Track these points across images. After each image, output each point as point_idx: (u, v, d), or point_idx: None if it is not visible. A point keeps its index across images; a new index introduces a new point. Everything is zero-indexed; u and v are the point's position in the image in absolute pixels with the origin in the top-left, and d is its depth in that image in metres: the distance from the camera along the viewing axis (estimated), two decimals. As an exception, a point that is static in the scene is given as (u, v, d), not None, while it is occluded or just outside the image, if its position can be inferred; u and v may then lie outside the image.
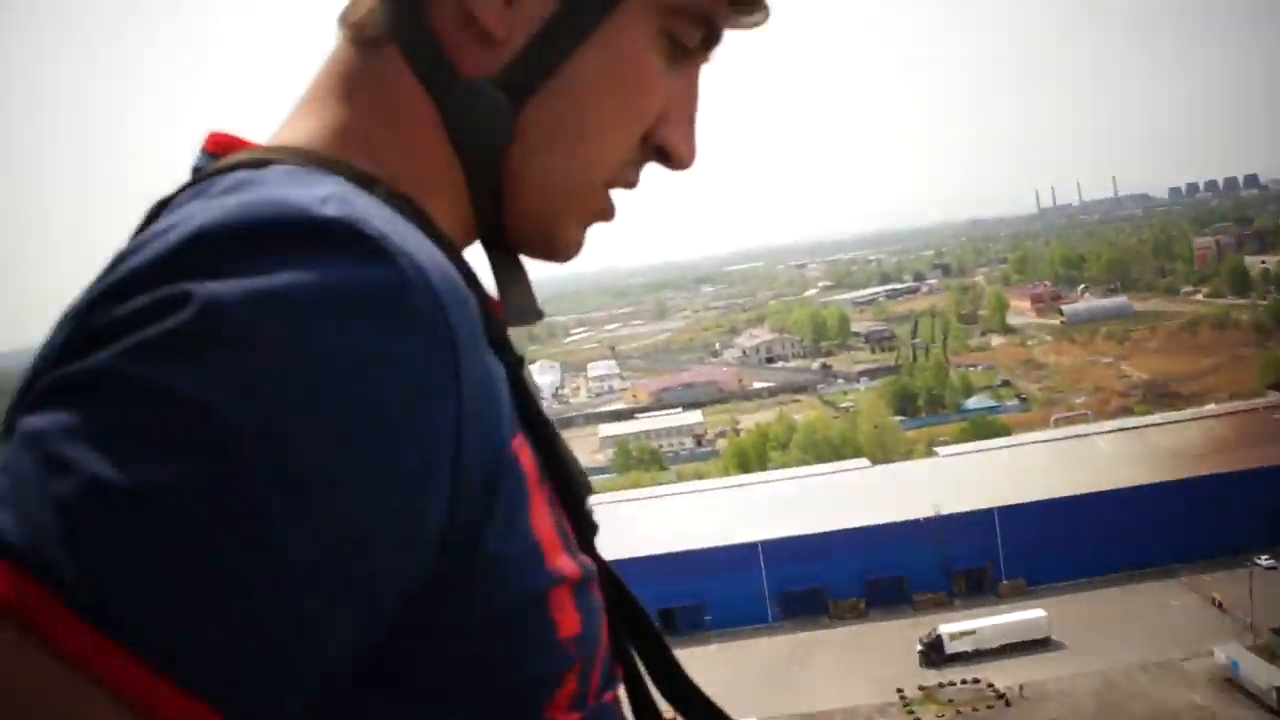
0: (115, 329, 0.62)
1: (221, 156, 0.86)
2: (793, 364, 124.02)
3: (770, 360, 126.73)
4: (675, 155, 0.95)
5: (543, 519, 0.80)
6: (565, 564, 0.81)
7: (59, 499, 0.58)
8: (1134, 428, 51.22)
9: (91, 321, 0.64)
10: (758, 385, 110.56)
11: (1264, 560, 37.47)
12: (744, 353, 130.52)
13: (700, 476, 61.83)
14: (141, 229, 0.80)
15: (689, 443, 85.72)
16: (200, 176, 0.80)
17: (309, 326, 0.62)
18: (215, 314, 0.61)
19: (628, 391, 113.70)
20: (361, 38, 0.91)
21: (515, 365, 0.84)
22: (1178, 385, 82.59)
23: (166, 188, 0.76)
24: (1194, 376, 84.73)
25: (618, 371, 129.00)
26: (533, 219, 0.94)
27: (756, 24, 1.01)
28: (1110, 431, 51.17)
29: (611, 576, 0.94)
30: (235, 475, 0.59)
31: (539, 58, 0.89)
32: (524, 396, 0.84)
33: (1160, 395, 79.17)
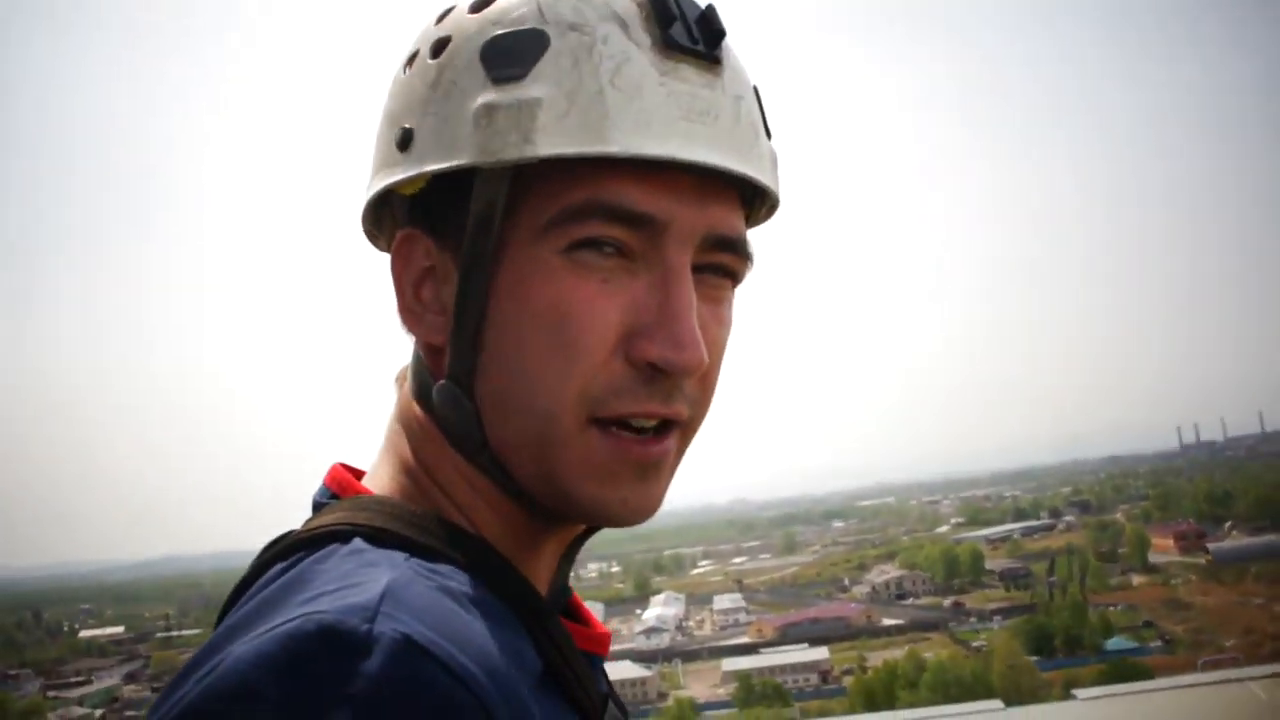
0: None
1: (336, 494, 0.96)
2: (923, 601, 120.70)
3: (900, 597, 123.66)
4: (664, 365, 0.88)
5: None
6: None
7: None
8: (1289, 672, 48.37)
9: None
10: (887, 622, 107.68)
11: None
12: (873, 589, 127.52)
13: (826, 714, 59.90)
14: (253, 572, 0.87)
15: (814, 679, 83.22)
16: (302, 538, 0.86)
17: None
18: None
19: (753, 625, 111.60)
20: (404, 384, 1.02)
21: (596, 709, 0.86)
22: (1336, 629, 78.29)
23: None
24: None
25: (743, 605, 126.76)
26: (539, 487, 0.92)
27: (765, 218, 1.05)
28: (1265, 677, 48.28)
29: None
30: None
31: (462, 340, 0.91)
32: (582, 690, 0.87)
33: (1317, 639, 75.02)
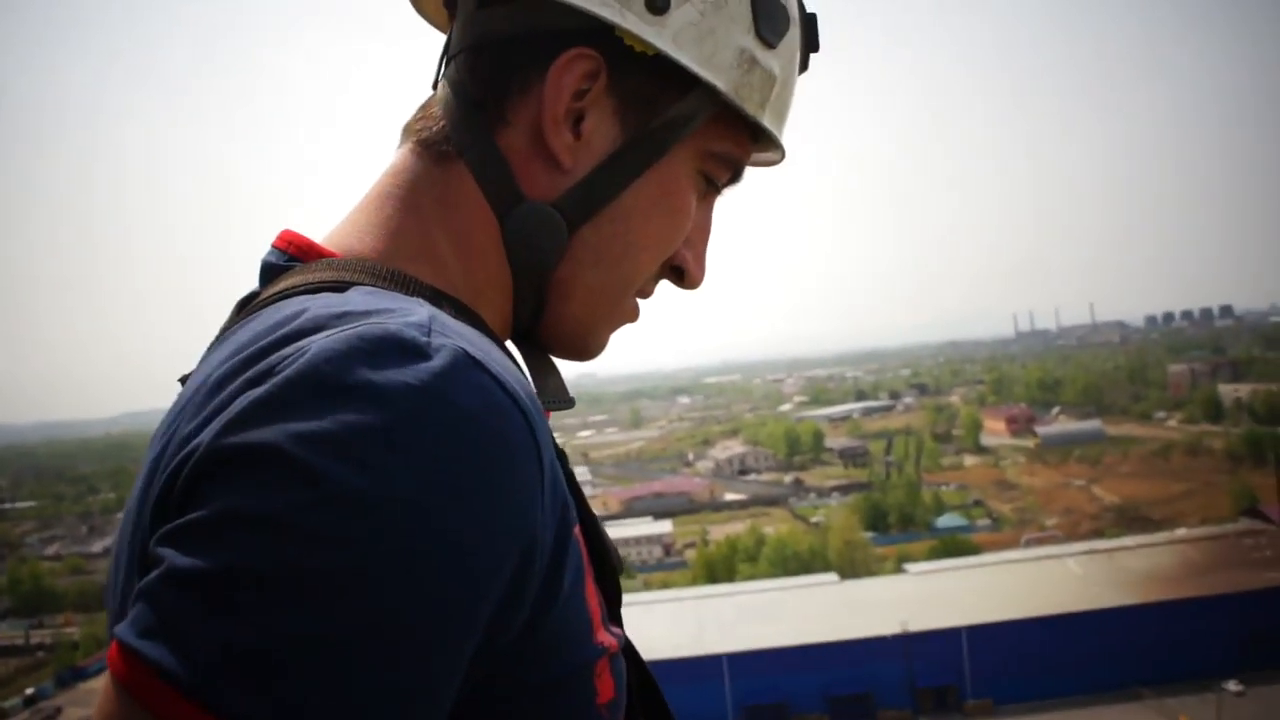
0: (279, 450, 0.68)
1: (292, 255, 0.97)
2: (765, 477, 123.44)
3: (743, 473, 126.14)
4: (689, 275, 1.10)
5: (593, 596, 0.88)
6: (605, 636, 0.89)
7: (232, 641, 0.63)
8: (1104, 550, 50.80)
9: (245, 438, 0.69)
10: (729, 497, 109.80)
11: (1232, 685, 37.05)
12: (717, 464, 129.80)
13: (668, 586, 61.04)
14: (229, 326, 0.92)
15: (658, 552, 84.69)
16: (287, 290, 0.88)
17: (427, 459, 0.70)
18: (370, 438, 0.68)
19: (598, 498, 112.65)
20: (431, 152, 1.01)
21: (563, 458, 0.90)
22: (1149, 509, 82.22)
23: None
24: (1166, 501, 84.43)
25: (589, 478, 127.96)
26: (572, 325, 1.04)
27: (774, 163, 1.18)
28: (1081, 553, 50.75)
29: (629, 645, 0.99)
30: (399, 619, 0.67)
31: (600, 188, 0.99)
32: (573, 485, 0.91)
33: (1131, 519, 78.75)
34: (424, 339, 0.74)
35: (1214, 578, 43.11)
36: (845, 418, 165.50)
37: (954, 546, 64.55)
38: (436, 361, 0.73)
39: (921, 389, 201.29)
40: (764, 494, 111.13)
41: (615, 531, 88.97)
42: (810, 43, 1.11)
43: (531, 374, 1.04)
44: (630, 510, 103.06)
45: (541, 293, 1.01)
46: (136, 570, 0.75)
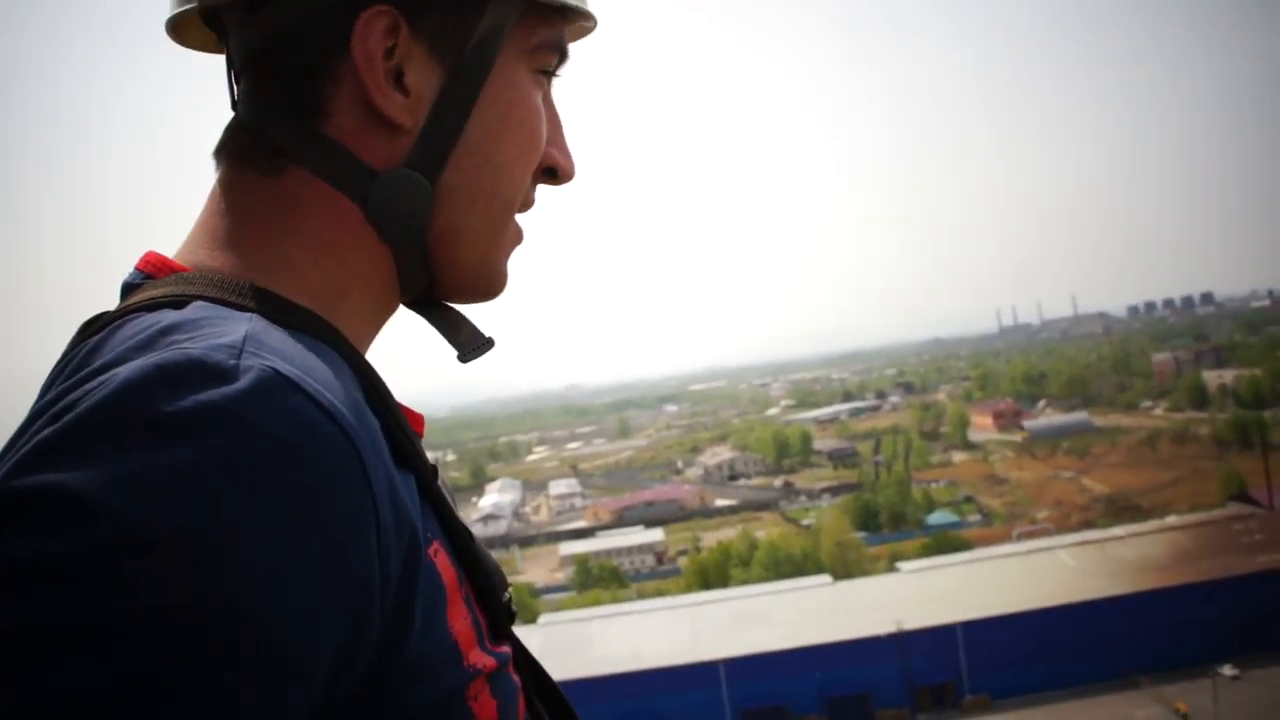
0: (48, 500, 0.64)
1: (152, 276, 0.92)
2: (755, 481, 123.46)
3: (733, 478, 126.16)
4: (562, 171, 1.07)
5: (459, 619, 0.85)
6: (480, 657, 0.86)
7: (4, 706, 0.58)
8: (1096, 541, 50.89)
9: (23, 478, 0.65)
10: (720, 503, 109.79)
11: (1227, 670, 37.18)
12: (706, 470, 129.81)
13: (662, 594, 60.99)
14: (71, 349, 0.87)
15: (650, 560, 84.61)
16: (129, 307, 0.85)
17: (225, 492, 0.65)
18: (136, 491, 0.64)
19: (589, 509, 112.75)
20: (260, 165, 0.96)
21: (429, 475, 0.88)
22: (1139, 498, 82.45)
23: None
24: (1155, 489, 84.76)
25: (579, 490, 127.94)
26: (468, 269, 1.02)
27: (590, 30, 1.15)
28: (1072, 545, 50.82)
29: (528, 657, 0.99)
30: (181, 664, 0.62)
31: (442, 132, 0.96)
32: (438, 503, 0.89)
33: (1121, 508, 78.94)
34: (230, 362, 0.71)
35: (1206, 563, 43.23)
36: (833, 419, 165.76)
37: (946, 543, 64.72)
38: (240, 384, 0.69)
39: (907, 388, 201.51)
40: (754, 499, 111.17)
41: (607, 541, 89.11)
42: None
43: (441, 332, 1.05)
44: (621, 520, 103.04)
45: (425, 253, 0.99)
46: None
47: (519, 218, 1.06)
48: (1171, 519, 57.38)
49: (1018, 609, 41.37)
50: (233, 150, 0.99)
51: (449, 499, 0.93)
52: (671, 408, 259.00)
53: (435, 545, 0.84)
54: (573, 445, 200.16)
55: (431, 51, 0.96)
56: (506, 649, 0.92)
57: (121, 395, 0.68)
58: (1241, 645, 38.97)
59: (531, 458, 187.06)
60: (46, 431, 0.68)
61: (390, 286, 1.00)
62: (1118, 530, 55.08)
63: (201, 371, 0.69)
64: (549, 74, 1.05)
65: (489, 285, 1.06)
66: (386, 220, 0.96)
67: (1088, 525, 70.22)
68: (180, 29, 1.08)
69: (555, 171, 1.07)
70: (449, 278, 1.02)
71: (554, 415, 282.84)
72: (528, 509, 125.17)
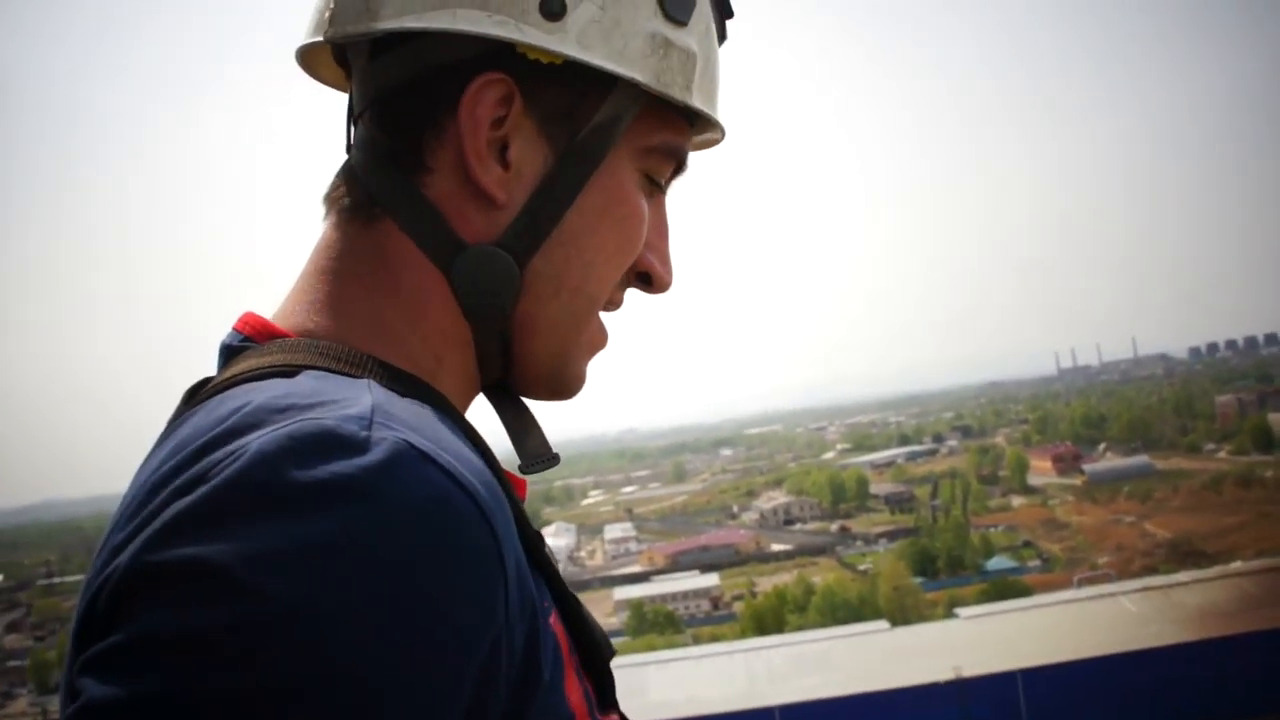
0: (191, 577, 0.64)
1: (250, 338, 0.91)
2: (811, 526, 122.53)
3: (788, 522, 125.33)
4: (657, 279, 1.04)
5: (574, 690, 0.84)
6: None
7: None
8: (1159, 587, 49.85)
9: (158, 557, 0.66)
10: (776, 548, 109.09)
11: (1297, 720, 36.25)
12: (762, 515, 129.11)
13: (717, 639, 60.54)
14: (177, 416, 0.87)
15: (705, 605, 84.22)
16: (237, 377, 0.84)
17: (361, 566, 0.65)
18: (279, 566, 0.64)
19: (644, 554, 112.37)
20: (359, 217, 0.95)
21: (538, 541, 0.86)
22: (1202, 543, 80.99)
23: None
24: (1219, 534, 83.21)
25: (634, 534, 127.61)
26: (545, 361, 0.99)
27: (715, 143, 1.14)
28: (1135, 591, 49.88)
29: None
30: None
31: (541, 216, 0.94)
32: (549, 570, 0.87)
33: (1185, 554, 77.58)
34: (363, 434, 0.70)
35: (1273, 610, 42.25)
36: (889, 463, 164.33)
37: (1005, 589, 63.75)
38: (373, 456, 0.68)
39: (965, 431, 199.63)
40: (810, 543, 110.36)
41: (662, 586, 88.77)
42: (723, 9, 1.05)
43: (509, 432, 1.01)
44: (676, 564, 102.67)
45: (505, 337, 0.96)
46: (70, 700, 0.67)
47: (605, 319, 1.03)
48: (1237, 564, 56.19)
49: (1079, 656, 40.60)
50: (336, 198, 0.98)
51: (556, 566, 0.91)
52: (727, 451, 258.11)
53: (554, 615, 0.84)
54: (628, 489, 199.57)
55: (541, 130, 0.94)
56: (616, 717, 0.91)
57: (256, 467, 0.67)
58: (1310, 694, 38.04)
59: (586, 502, 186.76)
60: (180, 504, 0.67)
61: (474, 365, 0.98)
62: (1181, 576, 53.97)
63: (335, 443, 0.69)
64: (659, 185, 1.02)
65: (564, 384, 1.02)
66: (467, 296, 0.94)
67: (1150, 571, 68.98)
68: (310, 61, 1.08)
69: (650, 279, 1.04)
70: (525, 369, 0.99)
71: (609, 459, 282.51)
72: (582, 553, 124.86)
